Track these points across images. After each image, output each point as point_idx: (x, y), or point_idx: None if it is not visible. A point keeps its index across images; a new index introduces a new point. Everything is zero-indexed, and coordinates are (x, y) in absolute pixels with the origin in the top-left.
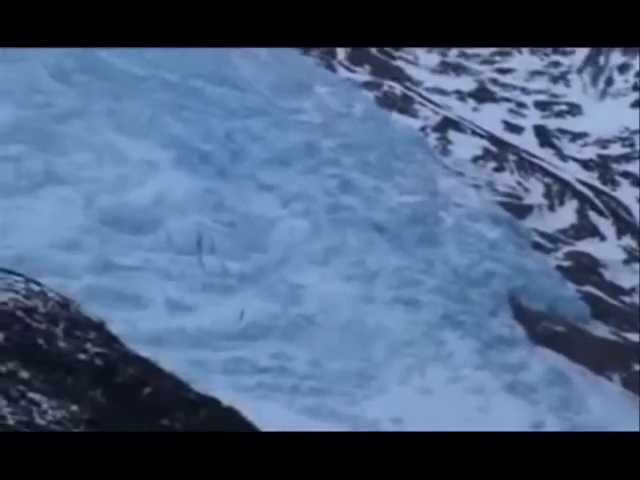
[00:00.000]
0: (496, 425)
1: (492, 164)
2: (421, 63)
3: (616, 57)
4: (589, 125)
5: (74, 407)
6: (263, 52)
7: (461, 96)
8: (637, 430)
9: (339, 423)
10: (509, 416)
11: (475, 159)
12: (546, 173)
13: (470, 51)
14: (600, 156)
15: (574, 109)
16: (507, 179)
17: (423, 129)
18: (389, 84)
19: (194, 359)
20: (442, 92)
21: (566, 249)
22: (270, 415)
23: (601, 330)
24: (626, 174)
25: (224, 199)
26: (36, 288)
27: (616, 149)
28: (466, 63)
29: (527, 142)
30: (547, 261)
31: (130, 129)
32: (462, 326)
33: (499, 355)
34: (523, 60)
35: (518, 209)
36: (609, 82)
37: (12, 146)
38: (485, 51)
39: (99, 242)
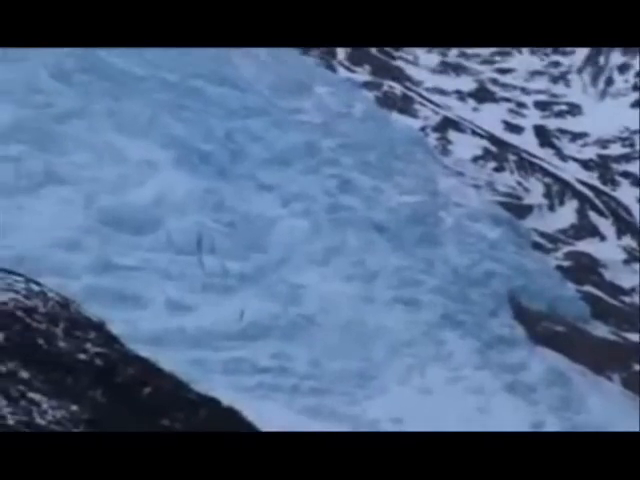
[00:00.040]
0: (496, 425)
1: (492, 164)
2: (421, 63)
3: (616, 57)
4: (589, 125)
5: (74, 407)
6: (263, 52)
7: (461, 96)
8: (637, 430)
9: (339, 423)
10: (509, 416)
11: (475, 159)
12: (546, 173)
13: (470, 51)
14: (600, 156)
15: (574, 109)
16: (507, 179)
17: (423, 129)
18: (389, 84)
19: (194, 359)
20: (442, 92)
21: (566, 249)
22: (270, 415)
23: (601, 330)
24: (626, 174)
25: (224, 199)
26: (36, 288)
27: (616, 149)
28: (466, 63)
29: (527, 142)
30: (547, 261)
31: (130, 129)
32: (462, 326)
33: (499, 355)
34: (523, 60)
35: (518, 209)
36: (609, 82)
37: (12, 146)
38: (485, 51)
39: (99, 242)
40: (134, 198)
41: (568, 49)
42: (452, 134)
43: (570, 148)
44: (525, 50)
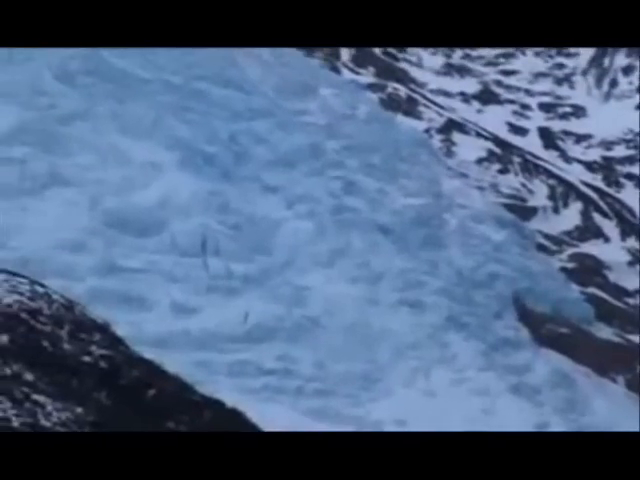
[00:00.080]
0: (501, 427)
1: (496, 166)
2: (425, 65)
3: (620, 59)
4: (593, 127)
5: (79, 409)
6: (267, 54)
7: (465, 98)
8: None
9: (344, 425)
10: (514, 418)
11: (479, 161)
12: (550, 175)
13: (474, 53)
14: (604, 158)
15: (578, 111)
16: (511, 181)
17: (427, 131)
18: (393, 86)
19: (199, 361)
20: (446, 94)
21: (570, 251)
22: (275, 417)
23: (605, 332)
24: (630, 176)
25: (229, 201)
26: (41, 290)
27: (620, 151)
28: (470, 65)
29: (531, 144)
30: (551, 263)
31: (134, 131)
32: (467, 328)
33: (504, 357)
34: (527, 62)
35: (522, 211)
36: (613, 84)
37: (17, 148)
38: (489, 53)
39: (104, 244)
40: (138, 200)
41: (572, 51)
42: (456, 136)
43: (574, 150)
44: (529, 52)
